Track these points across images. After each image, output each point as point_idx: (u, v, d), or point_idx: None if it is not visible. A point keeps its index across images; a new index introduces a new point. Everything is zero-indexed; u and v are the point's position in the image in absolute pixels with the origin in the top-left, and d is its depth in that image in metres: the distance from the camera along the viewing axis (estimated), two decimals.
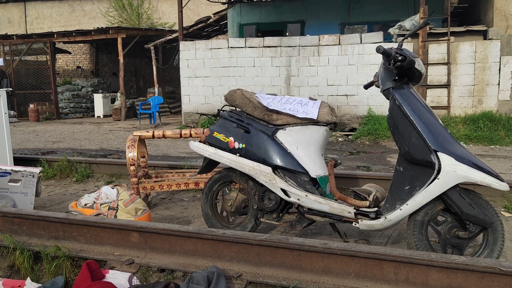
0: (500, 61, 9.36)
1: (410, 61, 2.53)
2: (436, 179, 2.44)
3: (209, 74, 11.17)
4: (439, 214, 2.61)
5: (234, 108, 3.22)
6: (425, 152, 2.49)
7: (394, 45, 9.85)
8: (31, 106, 14.57)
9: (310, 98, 3.06)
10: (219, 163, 3.17)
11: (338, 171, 4.42)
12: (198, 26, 14.29)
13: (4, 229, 2.99)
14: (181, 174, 4.28)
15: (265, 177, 2.90)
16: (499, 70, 9.38)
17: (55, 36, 14.65)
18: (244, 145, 2.97)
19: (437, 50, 9.81)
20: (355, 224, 2.67)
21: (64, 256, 2.73)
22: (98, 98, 15.47)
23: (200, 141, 3.19)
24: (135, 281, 2.48)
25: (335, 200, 2.74)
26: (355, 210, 2.65)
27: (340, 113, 10.45)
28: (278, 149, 2.91)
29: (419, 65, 2.63)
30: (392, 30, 10.50)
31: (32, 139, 10.58)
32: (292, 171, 2.89)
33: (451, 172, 2.41)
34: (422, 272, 2.16)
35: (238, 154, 2.98)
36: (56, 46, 16.27)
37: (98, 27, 14.50)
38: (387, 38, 10.63)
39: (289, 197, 2.85)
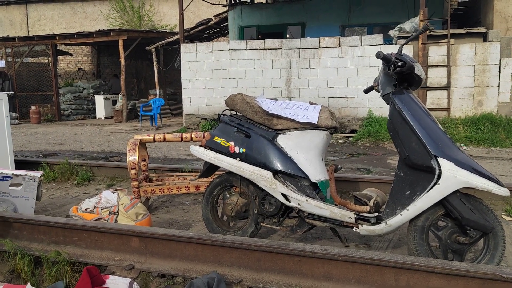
0: (500, 63, 9.36)
1: (410, 66, 2.53)
2: (436, 185, 2.44)
3: (210, 76, 11.18)
4: (440, 219, 2.61)
5: (234, 113, 3.22)
6: (425, 157, 2.49)
7: (395, 47, 9.90)
8: (33, 108, 14.58)
9: (310, 103, 3.07)
10: (219, 167, 3.18)
11: (338, 175, 4.42)
12: (199, 28, 14.32)
13: (4, 234, 3.00)
14: (182, 177, 4.28)
15: (266, 182, 2.90)
16: (499, 72, 9.38)
17: (57, 38, 14.67)
18: (244, 150, 2.97)
19: (437, 52, 9.81)
20: (355, 229, 2.67)
21: (64, 261, 2.74)
22: (99, 100, 15.49)
23: (200, 145, 3.19)
24: (136, 287, 2.48)
25: (336, 205, 2.74)
26: (355, 215, 2.65)
27: (340, 115, 10.46)
28: (278, 153, 2.91)
29: (418, 70, 2.63)
30: (392, 32, 10.51)
31: (34, 141, 10.60)
32: (293, 175, 2.89)
33: (451, 177, 2.41)
34: (423, 279, 2.16)
35: (238, 159, 2.98)
36: (57, 48, 16.29)
37: (99, 29, 14.52)
38: (388, 40, 10.64)
39: (290, 201, 2.85)
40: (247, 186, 3.11)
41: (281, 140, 2.95)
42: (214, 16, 14.29)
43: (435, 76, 9.88)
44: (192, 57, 11.25)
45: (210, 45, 11.21)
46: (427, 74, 9.89)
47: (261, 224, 3.09)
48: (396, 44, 10.21)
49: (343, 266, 2.29)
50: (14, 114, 14.49)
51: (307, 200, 2.78)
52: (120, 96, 14.45)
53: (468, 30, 9.77)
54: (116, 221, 3.03)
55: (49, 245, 2.89)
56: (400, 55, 2.59)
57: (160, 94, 14.71)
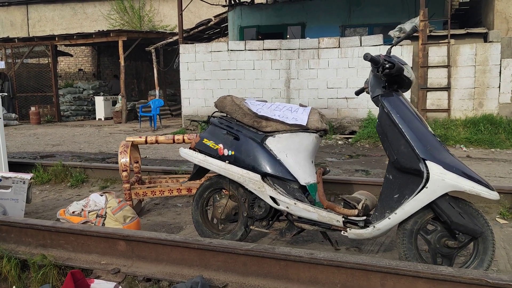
0: (500, 64, 9.30)
1: (399, 68, 2.50)
2: (424, 188, 2.40)
3: (209, 77, 11.16)
4: (429, 223, 2.58)
5: (225, 115, 3.19)
6: (413, 160, 2.45)
7: (394, 48, 9.86)
8: (32, 109, 14.59)
9: (300, 105, 3.04)
10: (209, 170, 3.15)
11: (333, 177, 4.39)
12: (199, 28, 14.31)
13: None
14: (175, 179, 4.25)
15: (254, 185, 2.87)
16: (500, 72, 9.32)
17: (57, 39, 14.69)
18: (233, 152, 2.94)
19: (437, 53, 9.76)
20: (343, 232, 2.64)
21: (50, 264, 2.72)
22: (99, 101, 15.50)
23: (190, 148, 3.17)
24: None
25: (325, 208, 2.71)
26: (343, 219, 2.62)
27: (340, 116, 10.42)
28: (267, 156, 2.88)
29: (408, 72, 2.60)
30: (393, 33, 10.46)
31: (32, 142, 10.59)
32: (282, 178, 2.86)
33: (440, 180, 2.37)
34: (409, 283, 2.12)
35: (227, 161, 2.95)
36: (58, 49, 16.30)
37: (99, 30, 14.52)
38: (388, 40, 10.59)
39: (278, 205, 2.82)
40: (236, 189, 3.09)
41: (270, 142, 2.92)
42: (214, 16, 14.28)
43: (435, 77, 9.84)
44: (191, 57, 11.23)
45: (209, 46, 11.19)
46: (427, 75, 9.85)
47: (251, 227, 3.06)
48: (395, 44, 10.16)
49: (329, 271, 2.26)
50: (13, 115, 14.51)
51: (295, 203, 2.75)
52: (119, 97, 14.45)
53: (469, 31, 9.72)
54: (103, 224, 3.00)
55: (36, 248, 2.87)
56: (388, 57, 2.55)
57: (160, 95, 14.70)
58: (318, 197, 2.73)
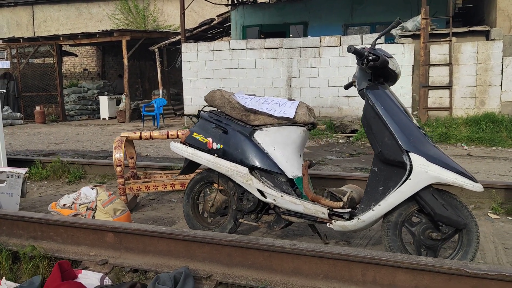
0: (502, 62, 9.26)
1: (383, 60, 2.51)
2: (407, 180, 2.42)
3: (210, 76, 11.20)
4: (414, 215, 2.59)
5: (216, 109, 3.22)
6: (397, 152, 2.46)
7: (396, 46, 9.85)
8: (37, 108, 14.71)
9: (289, 99, 3.05)
10: (200, 164, 3.17)
11: (325, 172, 4.41)
12: (202, 28, 14.36)
13: None
14: (169, 175, 4.29)
15: (242, 178, 2.89)
16: (502, 71, 9.28)
17: (61, 38, 14.80)
18: (221, 146, 2.97)
19: (438, 51, 9.73)
20: (329, 225, 2.65)
21: (40, 256, 2.76)
22: (103, 100, 15.59)
23: (181, 142, 3.20)
24: (107, 281, 2.49)
25: (309, 200, 2.73)
26: (328, 211, 2.64)
27: (341, 114, 10.42)
28: (255, 149, 2.90)
29: (393, 64, 2.61)
30: (395, 31, 10.44)
31: (36, 141, 10.68)
32: (269, 171, 2.88)
33: (423, 172, 2.38)
34: (389, 273, 2.14)
35: (216, 155, 2.98)
36: (63, 49, 16.43)
37: (103, 30, 14.61)
38: (390, 39, 10.58)
39: (266, 197, 2.84)
40: (226, 183, 3.11)
41: (258, 136, 2.94)
42: (217, 16, 14.33)
43: (437, 75, 9.81)
44: (193, 56, 11.28)
45: (211, 45, 11.23)
46: (428, 73, 9.83)
47: (240, 220, 3.08)
48: (397, 43, 10.17)
49: (312, 261, 2.28)
50: (18, 114, 14.63)
51: (282, 196, 2.77)
52: (123, 96, 14.53)
53: (471, 29, 9.68)
54: (93, 216, 3.04)
55: (27, 240, 2.91)
56: (373, 50, 2.57)
57: (164, 94, 14.77)
58: (304, 190, 2.75)
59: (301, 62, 10.54)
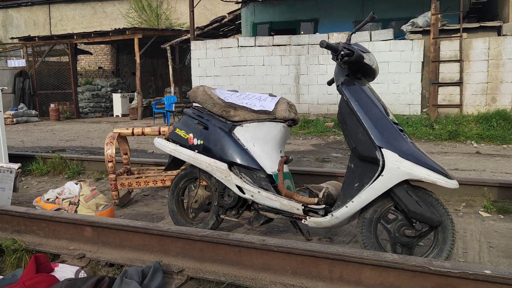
0: None
1: (358, 55, 2.48)
2: (380, 176, 2.39)
3: (219, 73, 11.23)
4: (390, 212, 2.56)
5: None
6: (370, 148, 2.44)
7: (405, 42, 9.71)
8: (52, 105, 14.96)
9: (270, 95, 3.05)
10: (184, 160, 3.18)
11: (311, 169, 4.38)
12: (213, 26, 14.38)
13: None
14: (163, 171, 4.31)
15: (221, 174, 2.90)
16: None
17: (75, 37, 15.02)
18: (202, 142, 2.98)
19: (449, 47, 9.57)
20: (304, 221, 2.64)
21: (23, 249, 2.81)
22: (116, 98, 15.77)
23: (165, 138, 3.22)
24: (82, 274, 2.53)
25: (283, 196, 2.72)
26: (303, 207, 2.62)
27: None
28: (234, 145, 2.90)
29: (370, 59, 2.57)
30: (405, 27, 10.31)
31: (48, 137, 10.87)
32: (248, 167, 2.88)
33: (395, 168, 2.35)
34: (356, 270, 2.12)
35: (196, 151, 2.99)
36: (78, 47, 16.67)
37: (115, 28, 14.78)
38: (401, 35, 10.44)
39: (244, 193, 2.85)
40: (209, 179, 3.12)
41: (238, 132, 2.94)
42: (228, 13, 14.34)
43: (447, 72, 9.65)
44: (202, 54, 11.32)
45: (219, 42, 11.26)
46: (438, 69, 9.67)
47: (222, 216, 3.09)
48: (407, 39, 10.03)
49: (280, 257, 2.27)
50: (33, 111, 14.91)
51: (259, 192, 2.77)
52: (135, 94, 14.68)
53: (482, 24, 9.49)
54: (76, 211, 3.08)
55: (12, 233, 2.97)
56: (348, 44, 2.54)
57: (176, 91, 14.86)
58: (278, 185, 2.73)
59: (309, 59, 10.48)
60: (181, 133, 3.08)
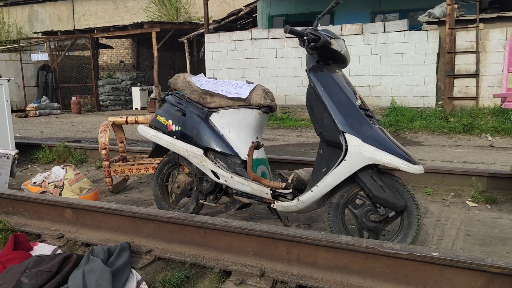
0: None
1: (324, 41, 2.49)
2: (343, 161, 2.40)
3: (232, 66, 11.29)
4: (358, 198, 2.57)
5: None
6: (334, 133, 2.45)
7: (420, 33, 9.53)
8: (73, 98, 15.35)
9: (247, 82, 3.08)
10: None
11: (292, 157, 4.40)
12: (230, 18, 14.44)
13: None
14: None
15: (197, 159, 2.96)
16: None
17: (95, 31, 15.34)
18: (180, 128, 3.04)
19: (465, 38, 9.36)
20: (272, 205, 2.68)
21: (9, 229, 2.95)
22: (135, 91, 16.05)
23: (148, 125, 3.30)
24: (58, 252, 2.63)
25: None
26: (271, 192, 2.66)
27: None
28: (209, 131, 2.96)
29: (338, 45, 2.57)
30: (422, 18, 10.12)
31: (67, 129, 11.18)
32: (223, 153, 2.93)
33: (358, 153, 2.36)
34: (312, 252, 2.15)
35: (174, 137, 3.06)
36: (100, 41, 17.02)
37: (134, 22, 15.02)
38: (414, 26, 10.26)
39: (219, 178, 2.90)
40: (190, 165, 3.18)
41: (214, 118, 2.99)
42: (245, 6, 14.37)
43: (463, 63, 9.44)
44: (215, 47, 11.40)
45: (233, 35, 11.31)
46: (454, 61, 9.47)
47: (201, 201, 3.15)
48: (423, 29, 9.85)
49: (242, 239, 2.32)
50: (56, 104, 15.33)
51: (231, 177, 2.82)
52: (153, 87, 14.90)
53: (500, 14, 9.23)
54: (60, 194, 3.20)
55: (0, 215, 3.11)
56: (315, 30, 2.55)
57: None
58: (247, 170, 2.78)
59: None
60: (162, 119, 3.16)
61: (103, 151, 4.04)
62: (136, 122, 4.20)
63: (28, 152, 5.74)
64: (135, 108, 16.19)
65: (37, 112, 14.47)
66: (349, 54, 2.70)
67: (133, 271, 2.31)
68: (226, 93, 2.96)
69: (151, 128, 3.23)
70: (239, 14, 14.37)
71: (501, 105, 2.98)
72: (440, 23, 9.67)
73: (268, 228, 2.25)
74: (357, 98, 2.56)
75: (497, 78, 9.18)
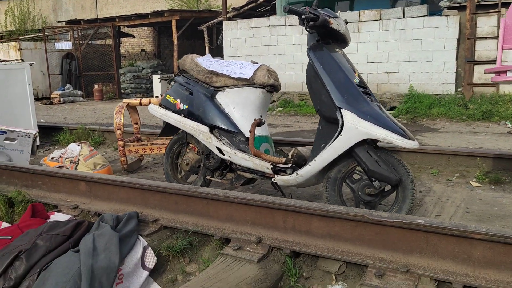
0: None
1: (323, 20, 2.57)
2: (340, 136, 2.49)
3: (250, 53, 11.37)
4: (356, 173, 2.66)
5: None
6: (331, 109, 2.54)
7: (440, 19, 9.42)
8: (96, 86, 15.71)
9: (252, 62, 3.19)
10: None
11: (299, 139, 4.49)
12: (249, 6, 14.48)
13: None
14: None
15: (203, 136, 3.09)
16: None
17: (117, 20, 15.61)
18: (187, 106, 3.18)
19: (486, 23, 9.21)
20: (273, 179, 2.79)
21: (28, 201, 3.14)
22: (156, 79, 16.28)
23: (159, 104, 3.45)
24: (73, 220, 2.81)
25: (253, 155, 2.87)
26: (272, 166, 2.77)
27: (380, 91, 10.20)
28: (215, 110, 3.08)
29: (338, 24, 2.65)
30: (443, 3, 9.99)
31: (89, 115, 11.49)
32: (228, 131, 3.05)
33: (353, 128, 2.45)
34: (306, 220, 2.26)
35: (182, 115, 3.20)
36: (121, 30, 17.29)
37: (154, 10, 15.22)
38: (434, 12, 10.14)
39: (223, 154, 3.03)
40: (198, 143, 3.32)
41: (220, 97, 3.12)
42: None
43: (484, 49, 9.30)
44: (233, 34, 11.50)
45: (250, 22, 11.37)
46: (474, 47, 9.34)
47: (208, 177, 3.29)
48: (442, 15, 9.73)
49: (241, 209, 2.44)
50: (79, 92, 15.72)
51: (235, 153, 2.94)
52: (173, 75, 15.11)
53: None
54: (76, 169, 3.38)
55: (21, 188, 3.32)
56: (314, 9, 2.63)
57: None
58: (249, 146, 2.89)
59: None
60: (171, 99, 3.29)
61: (118, 131, 4.21)
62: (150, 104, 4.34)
63: (50, 135, 5.98)
64: (156, 96, 16.40)
65: (61, 99, 14.87)
66: (349, 34, 2.77)
67: (140, 237, 2.46)
68: (231, 73, 3.07)
69: (161, 107, 3.37)
70: (258, 2, 14.38)
71: (491, 79, 3.03)
72: (461, 8, 9.53)
73: (266, 198, 2.36)
74: (355, 76, 2.64)
75: None
